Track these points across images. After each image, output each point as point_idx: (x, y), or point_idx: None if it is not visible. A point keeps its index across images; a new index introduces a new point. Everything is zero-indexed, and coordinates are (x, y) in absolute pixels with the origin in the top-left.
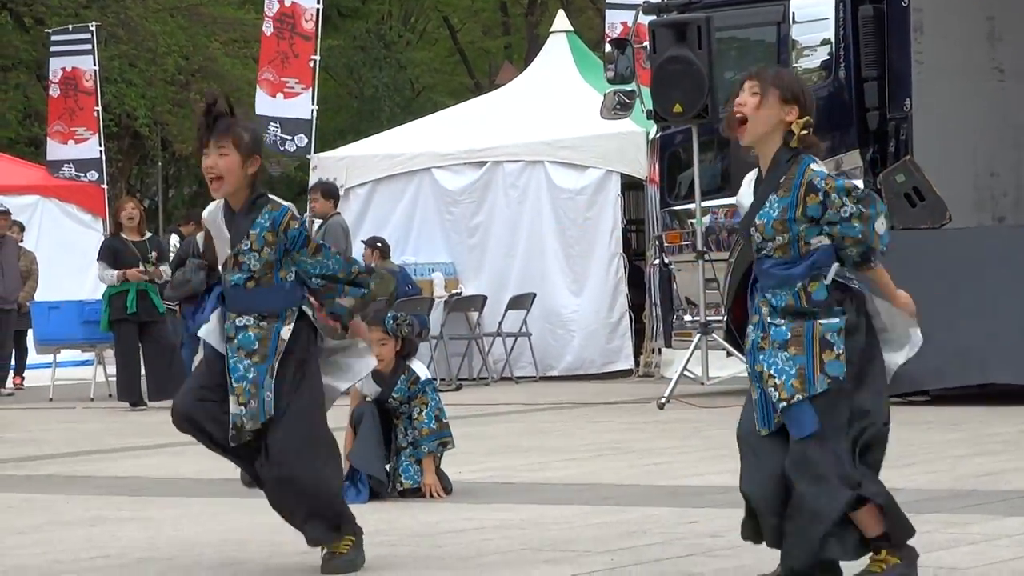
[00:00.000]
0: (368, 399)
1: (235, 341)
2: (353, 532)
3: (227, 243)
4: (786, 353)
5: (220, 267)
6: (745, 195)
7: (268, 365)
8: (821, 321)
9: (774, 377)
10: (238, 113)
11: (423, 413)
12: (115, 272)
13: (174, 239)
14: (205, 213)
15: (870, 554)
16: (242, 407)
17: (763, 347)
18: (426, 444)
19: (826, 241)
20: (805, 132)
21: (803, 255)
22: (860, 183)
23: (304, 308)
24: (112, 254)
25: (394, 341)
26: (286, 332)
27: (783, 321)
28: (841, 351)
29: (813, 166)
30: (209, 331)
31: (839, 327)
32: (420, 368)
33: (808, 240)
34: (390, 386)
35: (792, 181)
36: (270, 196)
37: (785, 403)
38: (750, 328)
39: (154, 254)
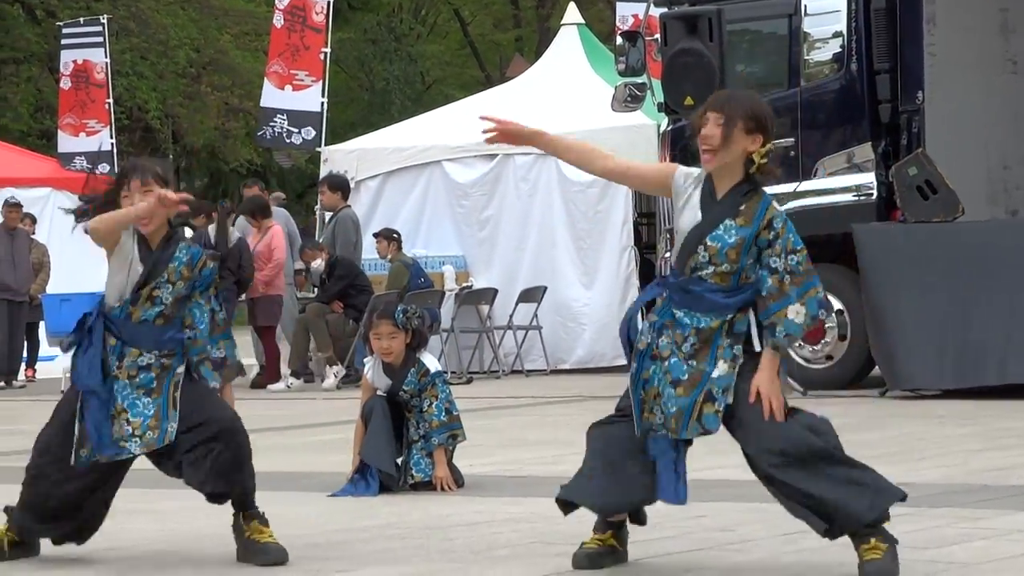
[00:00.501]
0: (379, 392)
1: (136, 379)
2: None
3: (136, 276)
4: (672, 391)
5: (115, 303)
6: (679, 189)
7: (166, 397)
8: (713, 375)
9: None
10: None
11: (433, 405)
12: None
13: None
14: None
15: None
16: (135, 438)
17: (656, 356)
18: (436, 436)
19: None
20: (764, 161)
21: (740, 286)
22: (802, 257)
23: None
24: None
25: (404, 334)
26: (181, 369)
27: (688, 347)
28: (721, 408)
29: (775, 205)
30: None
31: (728, 384)
32: (430, 360)
33: (750, 275)
34: (400, 379)
35: (754, 213)
36: (181, 233)
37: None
38: (645, 327)
39: None
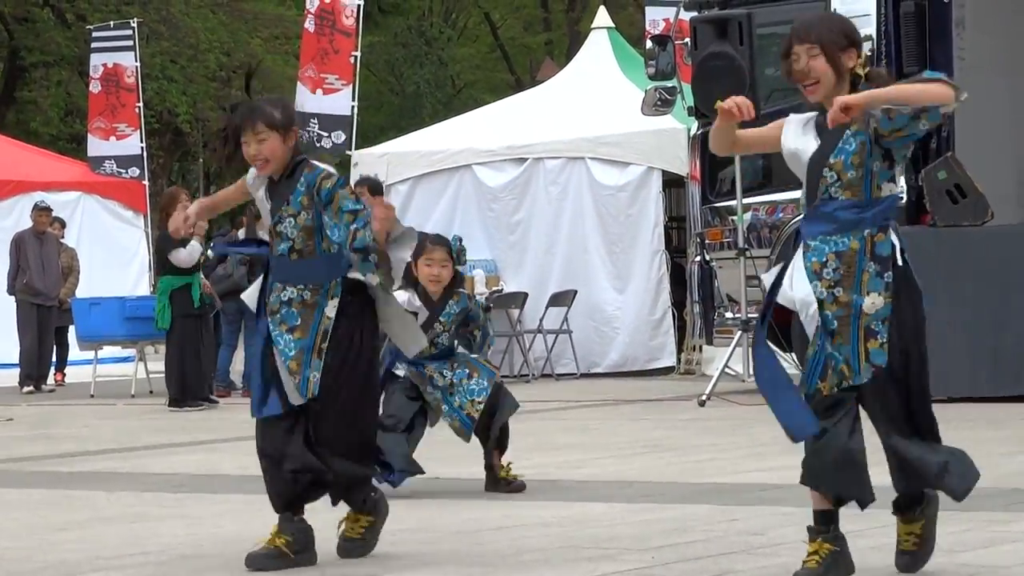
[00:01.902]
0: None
1: (278, 315)
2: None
3: (268, 213)
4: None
5: (269, 238)
6: (792, 136)
7: (312, 344)
8: (867, 309)
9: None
10: (258, 95)
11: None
12: (197, 252)
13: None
14: (249, 178)
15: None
16: (293, 376)
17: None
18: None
19: (896, 191)
20: (868, 70)
21: (874, 199)
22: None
23: (353, 276)
24: (181, 245)
25: (452, 265)
26: (331, 309)
27: (830, 272)
28: (884, 340)
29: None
30: (250, 297)
31: (885, 315)
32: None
33: (880, 184)
34: (438, 311)
35: (863, 116)
36: (309, 160)
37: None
38: (805, 278)
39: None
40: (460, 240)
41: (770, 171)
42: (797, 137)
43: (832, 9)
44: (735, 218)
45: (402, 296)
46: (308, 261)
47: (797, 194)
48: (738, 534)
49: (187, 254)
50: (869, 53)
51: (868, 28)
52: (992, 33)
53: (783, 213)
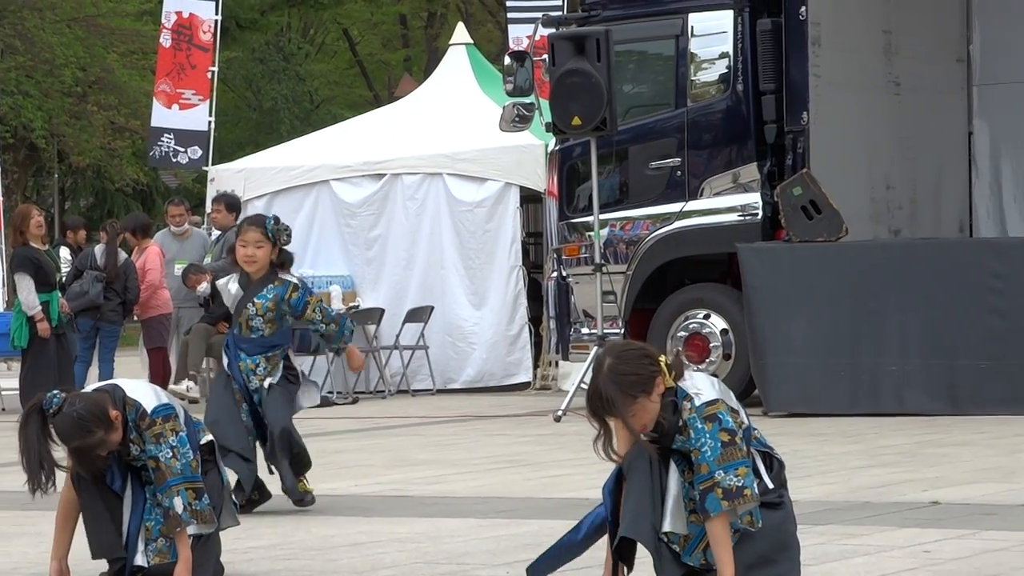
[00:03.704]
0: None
1: None
2: None
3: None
4: None
5: None
6: None
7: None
8: None
9: None
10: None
11: (316, 311)
12: (39, 306)
13: (64, 251)
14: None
15: None
16: None
17: None
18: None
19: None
20: (673, 373)
21: None
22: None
23: None
24: (34, 265)
25: (272, 246)
26: None
27: None
28: None
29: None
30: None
31: None
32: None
33: None
34: (253, 293)
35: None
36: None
37: None
38: None
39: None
40: (276, 220)
41: (627, 187)
42: None
43: (689, 28)
44: (592, 234)
45: (231, 285)
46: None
47: (653, 210)
48: (593, 549)
49: (28, 297)
50: (726, 70)
51: (725, 46)
52: (847, 51)
53: (640, 229)
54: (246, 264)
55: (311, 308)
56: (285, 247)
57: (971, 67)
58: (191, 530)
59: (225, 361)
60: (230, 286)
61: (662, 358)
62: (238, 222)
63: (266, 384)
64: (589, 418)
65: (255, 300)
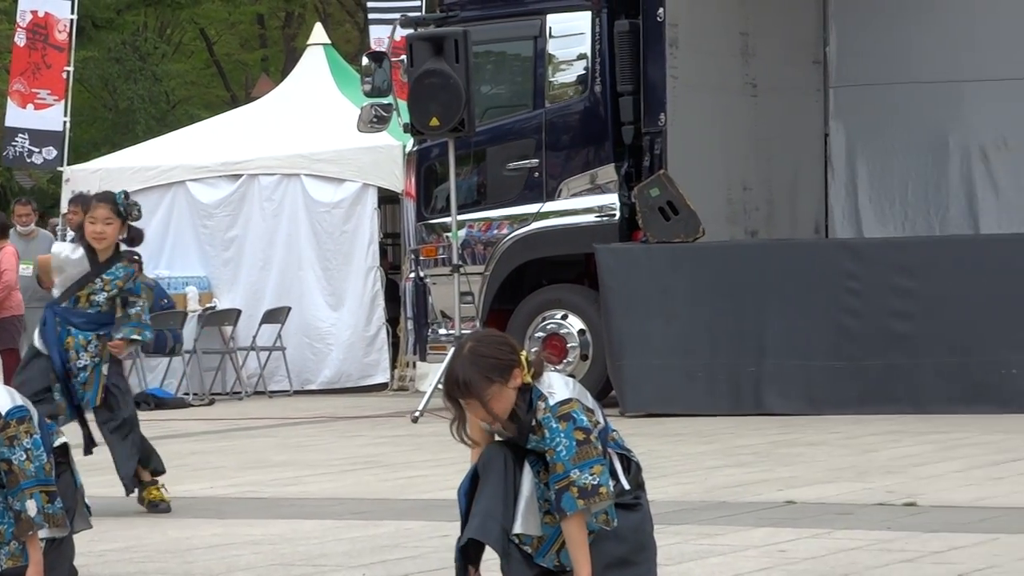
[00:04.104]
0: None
1: None
2: None
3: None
4: None
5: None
6: None
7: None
8: None
9: None
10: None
11: (141, 303)
12: None
13: None
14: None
15: None
16: None
17: None
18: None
19: None
20: (533, 370)
21: None
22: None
23: None
24: None
25: (120, 223)
26: None
27: None
28: None
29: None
30: None
31: None
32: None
33: None
34: (101, 270)
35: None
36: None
37: None
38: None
39: None
40: (126, 195)
41: (485, 188)
42: None
43: (547, 29)
44: (449, 235)
45: (75, 254)
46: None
47: (511, 211)
48: (449, 550)
49: None
50: (584, 71)
51: (583, 47)
52: (704, 53)
53: (497, 230)
54: (95, 241)
55: (142, 298)
56: (135, 223)
57: (827, 69)
58: (43, 534)
59: (39, 340)
60: (74, 254)
61: (523, 353)
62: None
63: (104, 370)
64: (445, 401)
65: (104, 276)
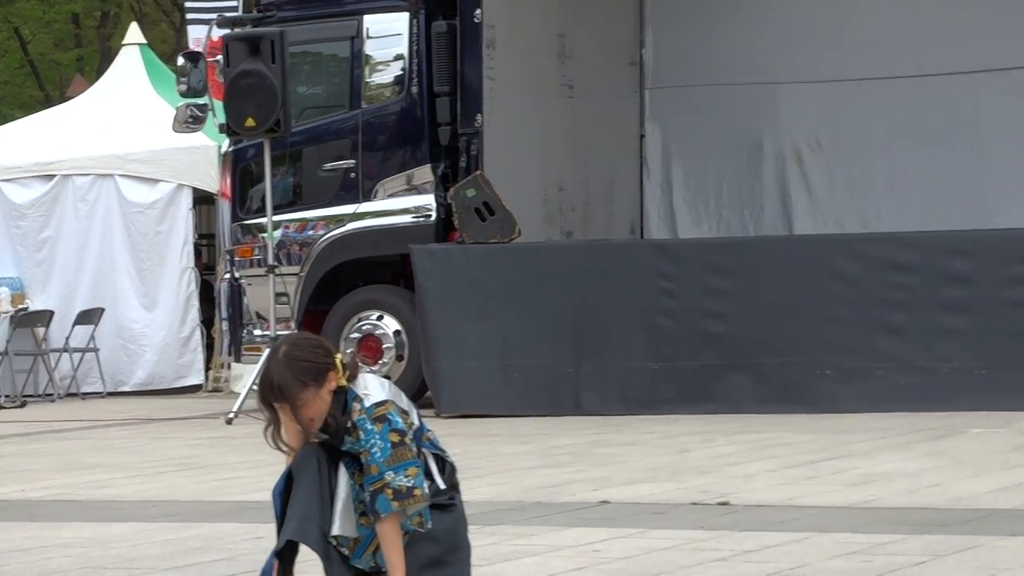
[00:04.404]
0: None
1: None
2: None
3: None
4: None
5: None
6: None
7: None
8: None
9: None
10: None
11: None
12: None
13: None
14: None
15: None
16: None
17: None
18: None
19: None
20: (347, 372)
21: None
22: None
23: None
24: None
25: None
26: None
27: None
28: None
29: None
30: None
31: None
32: None
33: None
34: None
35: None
36: None
37: None
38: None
39: None
40: None
41: (301, 189)
42: None
43: (364, 30)
44: (265, 235)
45: None
46: None
47: (327, 211)
48: (264, 552)
49: None
50: (401, 72)
51: (400, 48)
52: (521, 54)
53: (313, 230)
54: None
55: None
56: None
57: (644, 71)
58: None
59: None
60: None
61: (339, 356)
62: None
63: None
64: (260, 405)
65: None
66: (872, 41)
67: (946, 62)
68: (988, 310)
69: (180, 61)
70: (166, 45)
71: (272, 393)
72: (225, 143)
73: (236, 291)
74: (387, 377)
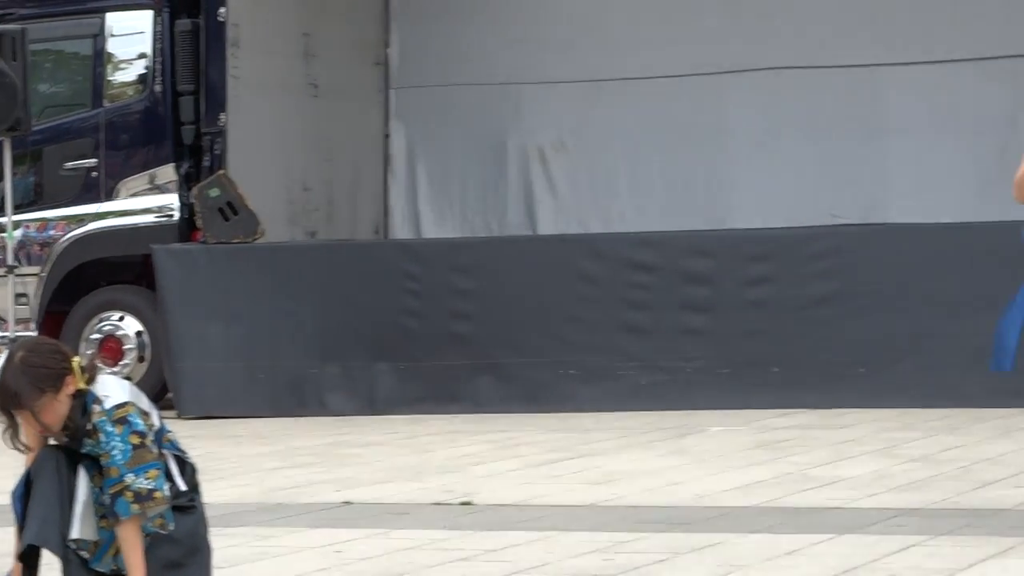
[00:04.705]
0: None
1: None
2: None
3: None
4: None
5: None
6: None
7: None
8: None
9: None
10: None
11: None
12: None
13: None
14: None
15: None
16: None
17: None
18: None
19: None
20: (88, 374)
21: None
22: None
23: None
24: None
25: None
26: None
27: None
28: None
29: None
30: None
31: None
32: None
33: None
34: None
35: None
36: None
37: None
38: None
39: None
40: None
41: (42, 188)
42: None
43: (107, 27)
44: (5, 235)
45: None
46: None
47: (68, 211)
48: (4, 556)
49: None
50: (144, 70)
51: (143, 46)
52: (266, 53)
53: (54, 230)
54: None
55: None
56: None
57: (389, 70)
58: None
59: None
60: None
61: (76, 359)
62: None
63: None
64: None
65: None
66: (616, 43)
67: (690, 63)
68: (729, 310)
69: None
70: None
71: (9, 400)
72: None
73: None
74: (128, 378)
